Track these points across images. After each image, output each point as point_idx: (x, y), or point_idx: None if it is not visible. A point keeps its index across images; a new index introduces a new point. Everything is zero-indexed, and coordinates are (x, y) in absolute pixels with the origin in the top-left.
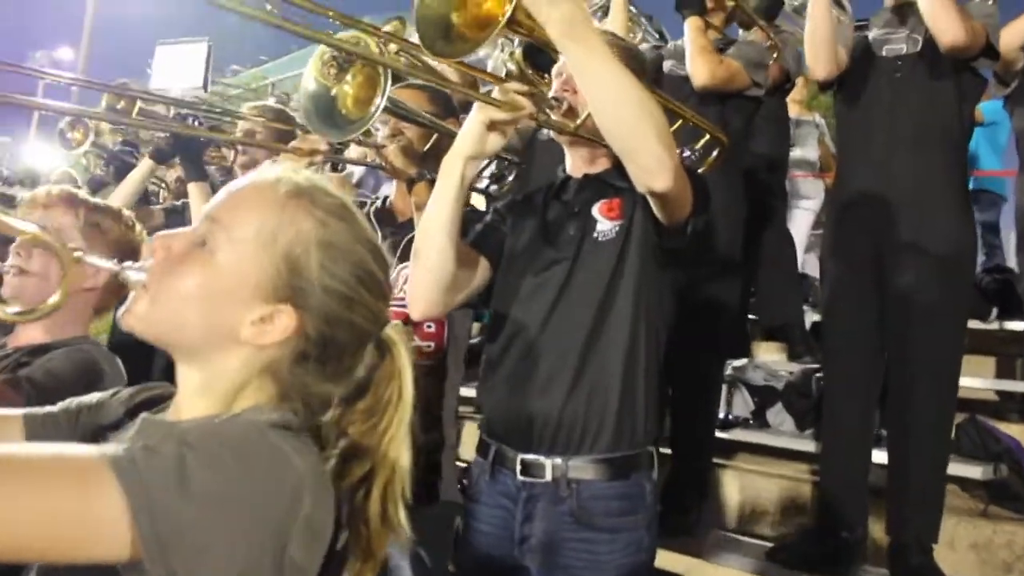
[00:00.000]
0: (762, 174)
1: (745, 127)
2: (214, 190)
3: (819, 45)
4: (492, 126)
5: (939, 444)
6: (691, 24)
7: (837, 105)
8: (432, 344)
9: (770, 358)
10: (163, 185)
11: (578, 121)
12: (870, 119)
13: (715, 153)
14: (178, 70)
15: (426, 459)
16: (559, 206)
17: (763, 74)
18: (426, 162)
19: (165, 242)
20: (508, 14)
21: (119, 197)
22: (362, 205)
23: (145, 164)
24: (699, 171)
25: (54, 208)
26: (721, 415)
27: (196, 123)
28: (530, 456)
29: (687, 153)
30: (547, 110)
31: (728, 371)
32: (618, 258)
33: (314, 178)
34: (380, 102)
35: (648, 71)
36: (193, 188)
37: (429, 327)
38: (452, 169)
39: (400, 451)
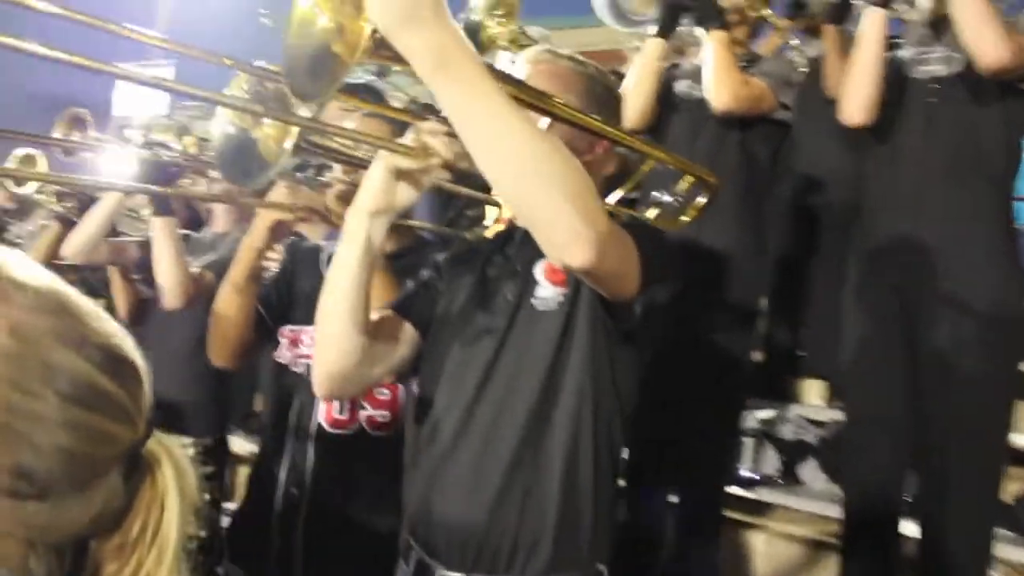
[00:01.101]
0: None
1: (772, 155)
2: (197, 222)
3: (866, 85)
4: (400, 175)
5: (982, 519)
6: (714, 38)
7: (860, 135)
8: (388, 413)
9: (812, 402)
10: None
11: None
12: (899, 150)
13: (702, 198)
14: (143, 96)
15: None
16: (501, 260)
17: (792, 94)
18: None
19: None
20: (363, 44)
21: (84, 230)
22: (317, 249)
23: (111, 197)
24: (682, 223)
25: None
26: (747, 472)
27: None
28: (454, 575)
29: (667, 198)
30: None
31: (754, 424)
32: (561, 334)
33: (17, 267)
34: (290, 143)
35: (614, 103)
36: (158, 224)
37: (382, 393)
38: (354, 228)
39: None
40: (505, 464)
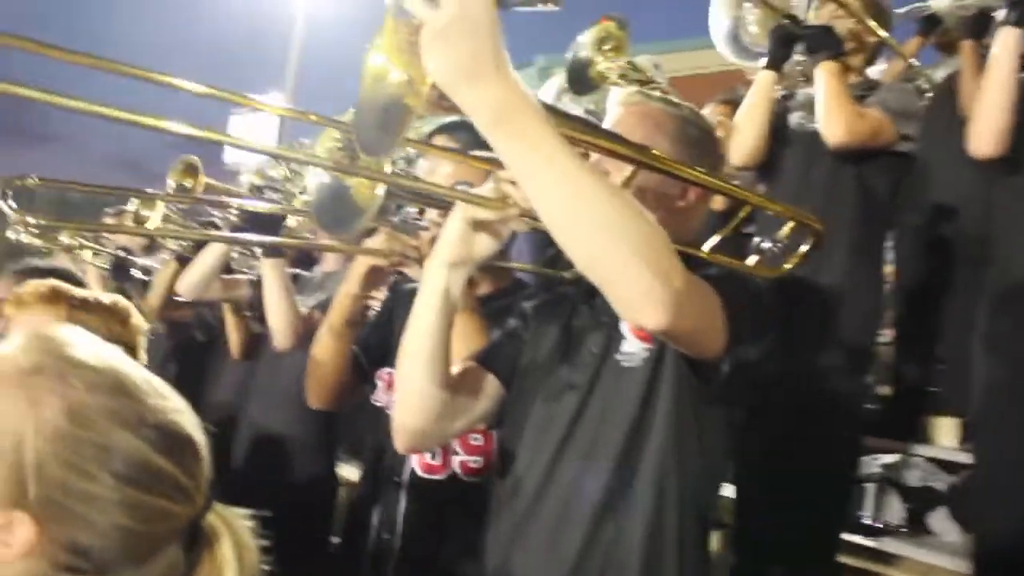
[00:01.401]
0: None
1: (893, 187)
2: (308, 261)
3: (998, 113)
4: (479, 226)
5: None
6: (825, 69)
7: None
8: (481, 459)
9: (944, 442)
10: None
11: None
12: None
13: (806, 244)
14: (254, 138)
15: None
16: (587, 312)
17: (914, 125)
18: None
19: None
20: (422, 97)
21: (198, 267)
22: (412, 292)
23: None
24: (785, 271)
25: (32, 307)
26: (868, 520)
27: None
28: None
29: (767, 244)
30: None
31: (877, 469)
32: (645, 392)
33: (78, 345)
34: (381, 189)
35: (709, 144)
36: (267, 265)
37: (475, 439)
38: (432, 280)
39: None
40: (587, 524)
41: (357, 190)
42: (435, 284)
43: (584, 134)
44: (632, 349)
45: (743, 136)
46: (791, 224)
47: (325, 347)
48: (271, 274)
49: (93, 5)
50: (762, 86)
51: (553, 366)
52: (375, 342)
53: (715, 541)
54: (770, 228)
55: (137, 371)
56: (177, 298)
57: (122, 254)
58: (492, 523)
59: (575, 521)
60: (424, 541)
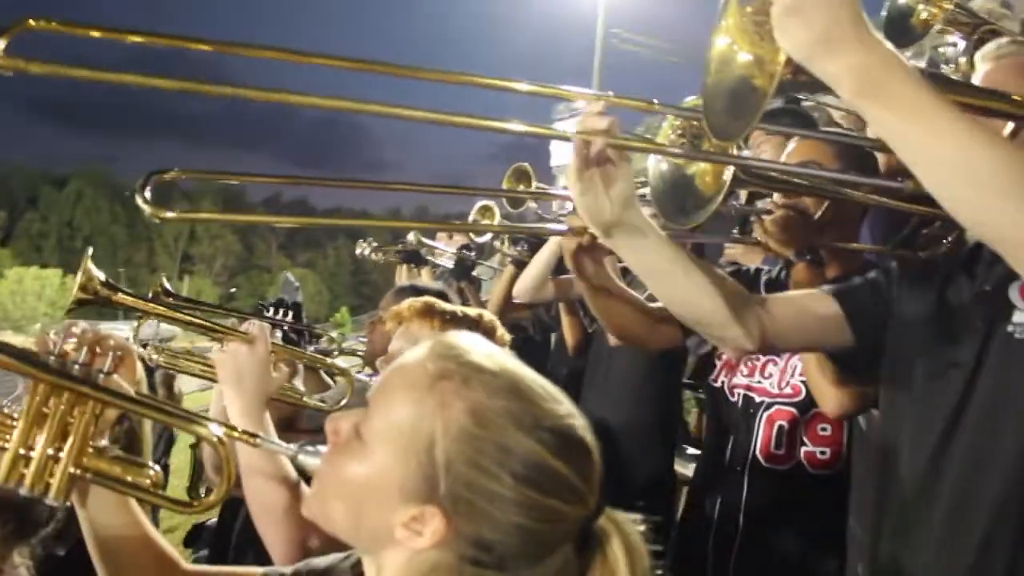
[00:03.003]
0: None
1: None
2: None
3: None
4: None
5: None
6: None
7: None
8: (828, 451)
9: None
10: None
11: None
12: None
13: None
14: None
15: None
16: (965, 282)
17: None
18: (817, 234)
19: (333, 425)
20: (776, 76)
21: (532, 271)
22: (756, 272)
23: (553, 241)
24: None
25: (410, 321)
26: None
27: None
28: None
29: None
30: None
31: None
32: None
33: (477, 351)
34: (729, 173)
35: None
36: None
37: (823, 429)
38: None
39: None
40: (985, 522)
41: (700, 178)
42: None
43: (955, 94)
44: None
45: None
46: None
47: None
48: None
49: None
50: None
51: (929, 342)
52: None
53: None
54: None
55: (532, 376)
56: (515, 300)
57: (465, 253)
58: (864, 513)
59: (972, 521)
60: (766, 531)
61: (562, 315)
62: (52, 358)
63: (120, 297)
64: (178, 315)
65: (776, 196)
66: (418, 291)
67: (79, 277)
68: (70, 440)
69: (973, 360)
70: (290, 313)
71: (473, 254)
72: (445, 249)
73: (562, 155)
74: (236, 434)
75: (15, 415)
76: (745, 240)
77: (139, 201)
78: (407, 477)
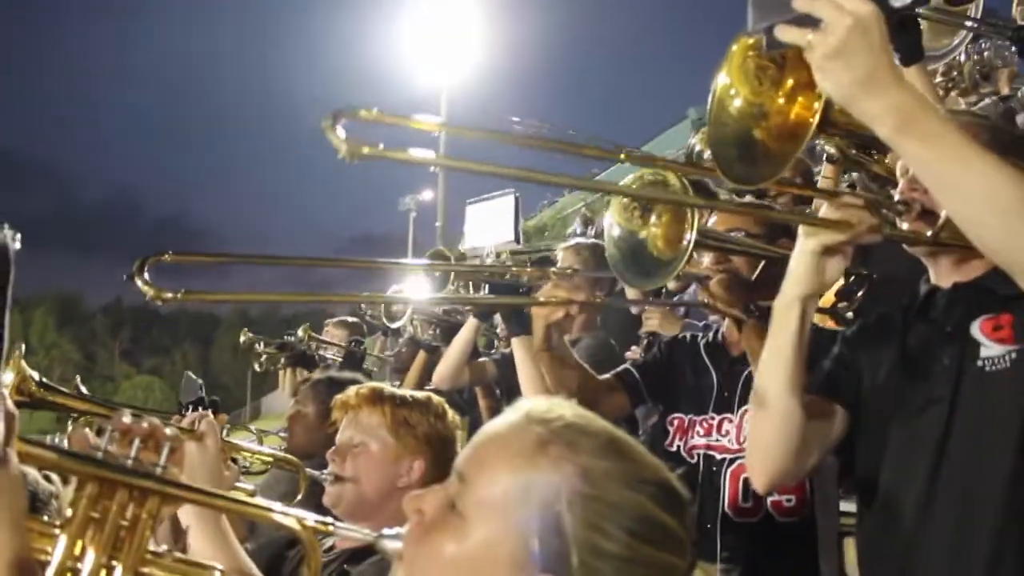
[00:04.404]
0: None
1: None
2: None
3: None
4: (828, 251)
5: None
6: None
7: None
8: (793, 498)
9: None
10: (496, 334)
11: (937, 226)
12: None
13: None
14: (489, 226)
15: None
16: (924, 327)
17: None
18: (756, 292)
19: (416, 504)
20: (817, 117)
21: (449, 360)
22: (693, 339)
23: (470, 324)
24: None
25: (359, 409)
26: None
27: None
28: None
29: None
30: (895, 217)
31: None
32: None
33: (572, 414)
34: (690, 237)
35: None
36: (516, 344)
37: None
38: (786, 316)
39: None
40: (985, 553)
41: (652, 242)
42: (791, 320)
43: None
44: (994, 353)
45: None
46: None
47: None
48: (523, 351)
49: None
50: None
51: (902, 386)
52: (656, 374)
53: None
54: None
55: (624, 432)
56: (429, 388)
57: (355, 347)
58: (865, 562)
59: (972, 547)
60: None
61: (480, 399)
62: (100, 453)
63: (60, 398)
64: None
65: (707, 261)
66: (334, 381)
67: (11, 377)
68: (126, 547)
69: (949, 396)
70: (210, 411)
71: (363, 348)
72: (335, 343)
73: (474, 239)
74: (311, 522)
75: (56, 522)
76: (698, 304)
77: (139, 284)
78: (519, 548)
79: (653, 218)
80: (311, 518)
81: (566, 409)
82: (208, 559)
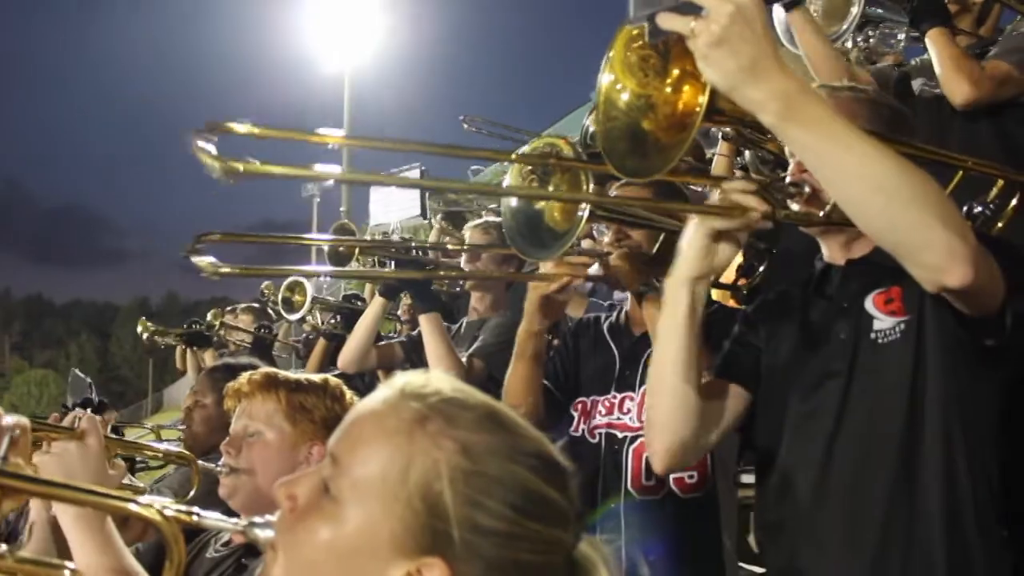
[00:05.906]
0: None
1: None
2: (448, 316)
3: None
4: (719, 236)
5: None
6: (934, 36)
7: None
8: (695, 474)
9: None
10: (397, 317)
11: (827, 208)
12: None
13: (1015, 200)
14: (395, 202)
15: None
16: (822, 303)
17: None
18: (656, 267)
19: (288, 489)
20: (704, 107)
21: (355, 341)
22: (596, 320)
23: (376, 303)
24: (998, 231)
25: (252, 397)
26: None
27: (418, 252)
28: None
29: (978, 208)
30: (786, 201)
31: None
32: (913, 366)
33: (450, 388)
34: (586, 207)
35: (902, 121)
36: (424, 320)
37: None
38: (677, 297)
39: None
40: (880, 514)
41: (549, 213)
42: (680, 301)
43: None
44: (885, 325)
45: None
46: (999, 184)
47: (514, 387)
48: (431, 326)
49: None
50: None
51: (800, 361)
52: (564, 375)
53: None
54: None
55: (501, 404)
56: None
57: (264, 333)
58: (762, 534)
59: (866, 516)
60: (647, 561)
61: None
62: None
63: None
64: None
65: (608, 237)
66: (231, 368)
67: None
68: None
69: (846, 369)
70: (88, 410)
71: (273, 334)
72: (243, 329)
73: (380, 216)
74: (172, 511)
75: None
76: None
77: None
78: (398, 529)
79: (551, 188)
80: (172, 508)
81: (444, 383)
82: (89, 561)
